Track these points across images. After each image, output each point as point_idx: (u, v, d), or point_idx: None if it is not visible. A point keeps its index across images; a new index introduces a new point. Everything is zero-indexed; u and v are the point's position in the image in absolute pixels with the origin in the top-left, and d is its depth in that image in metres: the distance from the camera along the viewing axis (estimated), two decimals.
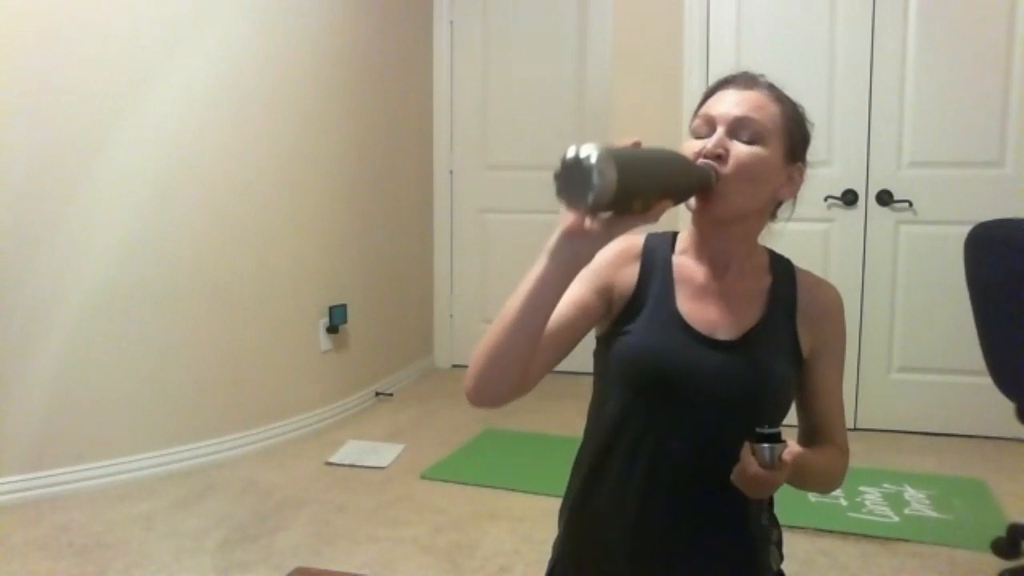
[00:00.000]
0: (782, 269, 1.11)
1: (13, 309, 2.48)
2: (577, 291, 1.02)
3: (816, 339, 1.07)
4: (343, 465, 2.89)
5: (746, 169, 0.98)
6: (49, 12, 2.47)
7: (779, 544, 1.12)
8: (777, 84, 1.08)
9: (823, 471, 1.07)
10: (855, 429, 3.21)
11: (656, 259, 1.09)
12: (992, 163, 3.04)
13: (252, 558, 2.17)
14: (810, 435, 1.12)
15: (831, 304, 1.10)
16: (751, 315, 1.05)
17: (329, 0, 3.36)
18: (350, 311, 3.47)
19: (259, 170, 3.03)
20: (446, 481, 2.68)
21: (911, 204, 3.11)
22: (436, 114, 4.23)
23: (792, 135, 1.04)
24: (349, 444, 3.09)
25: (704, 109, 1.04)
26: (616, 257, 1.09)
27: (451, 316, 4.34)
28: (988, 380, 1.99)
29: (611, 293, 1.06)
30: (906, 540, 2.26)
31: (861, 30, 3.10)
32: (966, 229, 2.00)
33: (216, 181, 2.89)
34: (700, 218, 1.04)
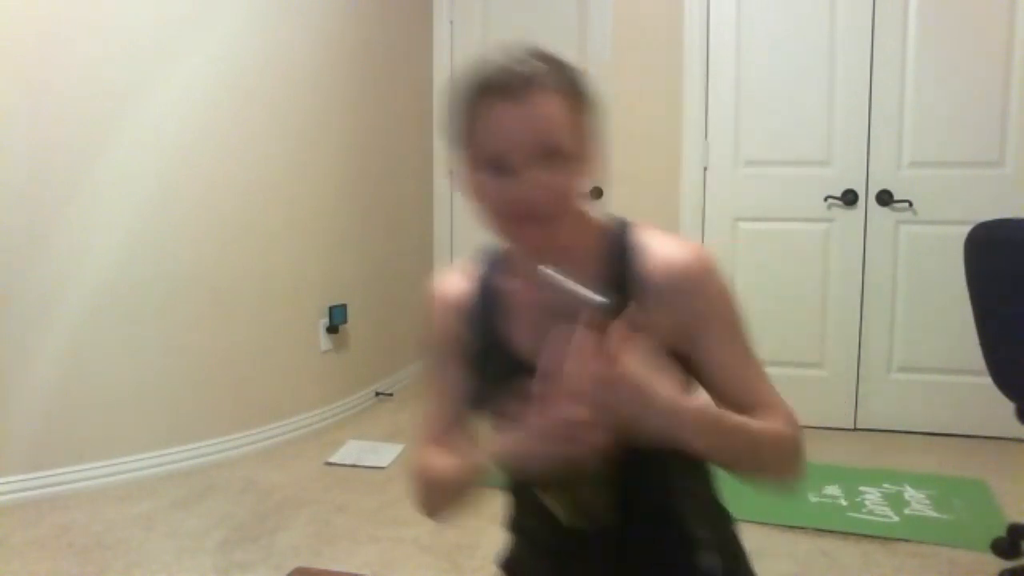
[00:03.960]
0: (617, 251, 0.93)
1: (13, 309, 2.48)
2: (451, 377, 1.00)
3: (678, 321, 0.89)
4: (343, 465, 2.88)
5: (566, 200, 0.86)
6: (49, 13, 2.47)
7: (720, 548, 0.98)
8: (543, 49, 0.88)
9: (754, 435, 0.86)
10: (855, 429, 3.21)
11: (484, 293, 0.99)
12: (992, 163, 3.03)
13: (252, 558, 2.17)
14: None
15: (682, 275, 0.90)
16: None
17: (329, 0, 3.36)
18: (350, 311, 3.47)
19: (259, 170, 3.03)
20: None
21: (911, 204, 3.11)
22: (436, 114, 4.22)
23: (585, 118, 0.88)
24: (349, 444, 3.09)
25: (482, 140, 0.85)
26: (443, 316, 1.01)
27: None
28: (988, 380, 1.98)
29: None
30: (906, 540, 2.26)
31: (861, 30, 3.10)
32: (966, 229, 1.99)
33: (216, 181, 2.89)
34: (520, 249, 0.94)
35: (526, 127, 0.83)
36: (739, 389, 0.90)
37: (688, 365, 0.90)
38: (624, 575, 0.95)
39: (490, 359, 0.97)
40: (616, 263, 0.92)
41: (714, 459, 0.86)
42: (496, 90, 0.83)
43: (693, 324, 0.89)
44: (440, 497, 0.98)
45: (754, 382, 0.92)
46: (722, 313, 0.91)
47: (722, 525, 1.03)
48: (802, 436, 0.91)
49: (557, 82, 0.86)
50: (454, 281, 1.02)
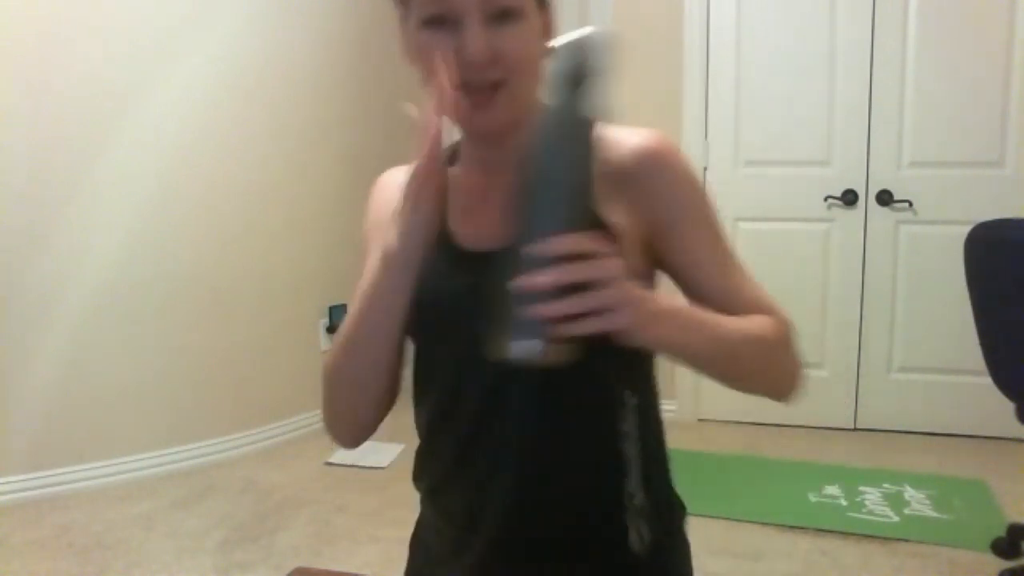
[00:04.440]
0: None
1: (13, 309, 2.48)
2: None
3: (643, 214, 0.79)
4: (343, 465, 2.88)
5: (526, 64, 0.76)
6: (49, 13, 2.47)
7: (661, 518, 0.85)
8: None
9: (745, 333, 0.77)
10: (855, 429, 3.21)
11: None
12: (992, 163, 3.03)
13: (252, 558, 2.17)
14: None
15: (643, 158, 0.80)
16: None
17: (329, 1, 3.36)
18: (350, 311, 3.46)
19: (259, 170, 3.03)
20: None
21: (911, 204, 3.11)
22: None
23: None
24: None
25: None
26: (382, 202, 0.92)
27: None
28: (988, 380, 1.99)
29: None
30: (906, 540, 2.26)
31: (861, 30, 3.10)
32: (966, 229, 1.99)
33: (216, 181, 2.89)
34: (473, 135, 0.83)
35: None
36: (721, 288, 0.80)
37: (662, 268, 0.82)
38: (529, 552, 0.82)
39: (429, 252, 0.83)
40: None
41: (700, 366, 0.75)
42: None
43: (661, 214, 0.79)
44: (350, 365, 0.83)
45: (737, 279, 0.82)
46: (692, 200, 0.81)
47: (667, 507, 0.89)
48: (796, 336, 0.82)
49: None
50: (400, 172, 0.92)
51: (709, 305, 0.77)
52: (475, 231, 0.82)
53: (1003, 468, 2.79)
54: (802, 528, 2.32)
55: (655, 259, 0.81)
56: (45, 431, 2.56)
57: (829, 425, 3.21)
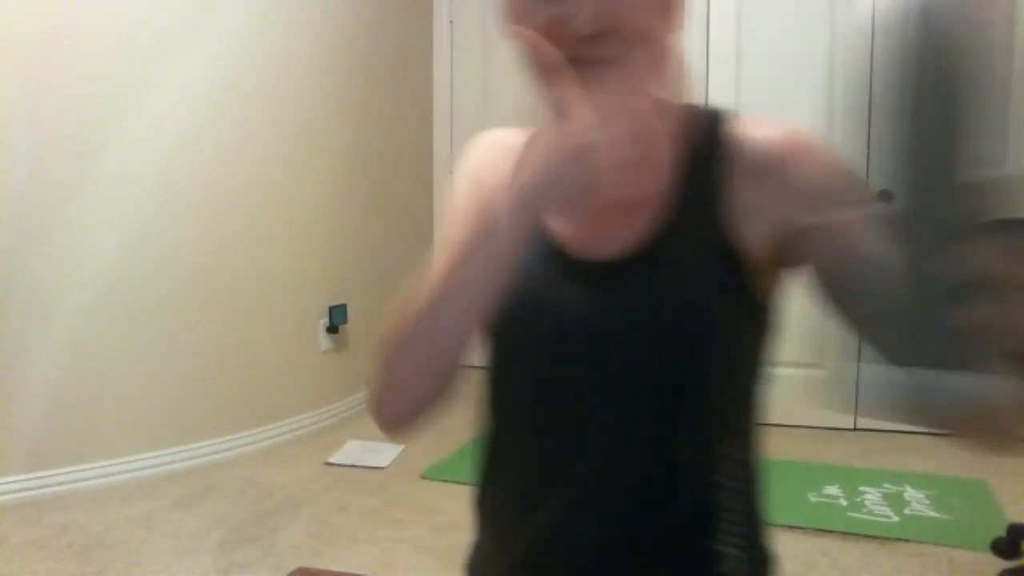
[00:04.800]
0: (703, 132, 0.72)
1: (13, 309, 2.48)
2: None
3: (780, 202, 0.67)
4: (343, 465, 2.88)
5: (647, 37, 0.64)
6: (49, 14, 2.46)
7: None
8: None
9: None
10: (855, 429, 3.21)
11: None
12: (992, 163, 3.03)
13: (252, 558, 2.17)
14: None
15: (784, 147, 0.69)
16: (647, 217, 0.69)
17: (329, 0, 3.36)
18: (350, 311, 3.46)
19: (259, 170, 3.03)
20: (446, 481, 2.68)
21: None
22: (436, 114, 4.23)
23: None
24: (349, 444, 3.09)
25: None
26: (490, 158, 0.79)
27: None
28: None
29: None
30: (906, 540, 2.26)
31: (861, 30, 3.10)
32: None
33: (216, 181, 2.89)
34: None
35: None
36: None
37: (810, 266, 0.66)
38: None
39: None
40: (701, 145, 0.70)
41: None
42: None
43: (802, 207, 0.66)
44: (420, 349, 0.68)
45: None
46: (837, 185, 0.67)
47: (761, 562, 0.77)
48: None
49: None
50: (510, 137, 0.81)
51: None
52: (582, 234, 0.71)
53: (1003, 468, 2.79)
54: (802, 528, 2.32)
55: (793, 258, 0.68)
56: (45, 431, 2.56)
57: (829, 425, 3.21)
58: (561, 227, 0.72)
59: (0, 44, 2.39)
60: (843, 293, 0.60)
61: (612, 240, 0.69)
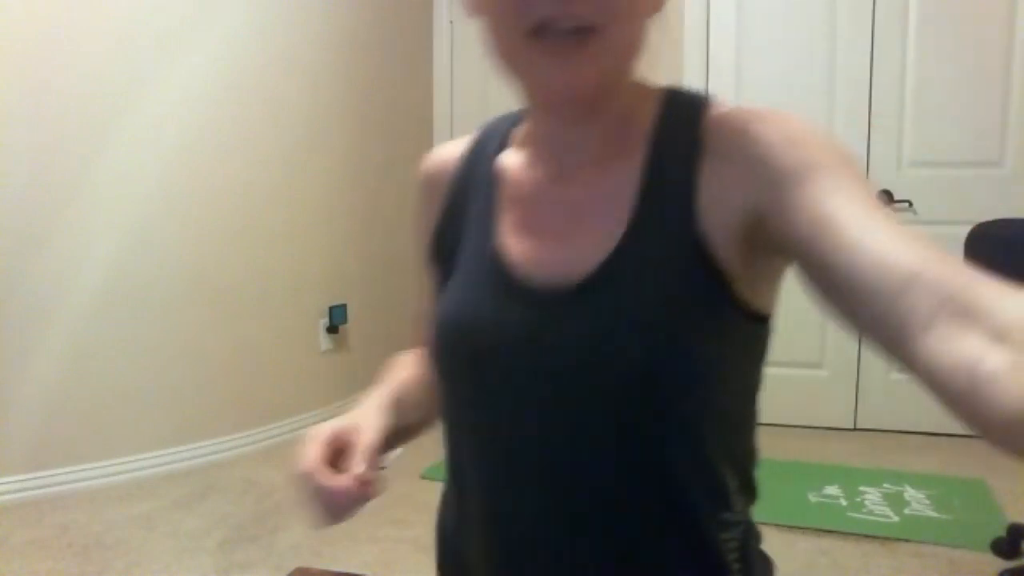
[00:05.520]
0: (673, 131, 0.62)
1: (13, 309, 2.48)
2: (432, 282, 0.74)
3: (745, 178, 0.56)
4: None
5: (616, 18, 0.56)
6: (49, 14, 2.47)
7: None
8: None
9: None
10: (855, 429, 3.21)
11: (477, 169, 0.70)
12: (992, 163, 3.03)
13: (252, 558, 2.17)
14: (886, 306, 0.44)
15: (747, 118, 0.58)
16: (609, 232, 0.60)
17: (329, 1, 3.36)
18: (350, 311, 3.46)
19: (259, 170, 3.03)
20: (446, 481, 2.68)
21: (911, 204, 3.11)
22: (436, 114, 4.23)
23: None
24: None
25: None
26: (425, 187, 0.74)
27: None
28: None
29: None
30: (906, 540, 2.25)
31: (861, 30, 3.10)
32: (966, 229, 2.00)
33: (216, 181, 2.90)
34: (546, 100, 0.63)
35: None
36: (871, 252, 0.48)
37: (784, 252, 0.55)
38: None
39: (472, 251, 0.67)
40: (672, 125, 0.62)
41: None
42: None
43: (780, 186, 0.53)
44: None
45: (885, 238, 0.49)
46: (825, 163, 0.53)
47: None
48: None
49: None
50: (446, 152, 0.74)
51: (856, 275, 0.47)
52: (534, 251, 0.63)
53: (1003, 468, 2.79)
54: (802, 528, 2.32)
55: (769, 246, 0.57)
56: (45, 431, 2.56)
57: (829, 425, 3.21)
58: (516, 246, 0.64)
59: (0, 44, 2.39)
60: (831, 284, 0.49)
61: (563, 260, 0.61)
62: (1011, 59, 2.98)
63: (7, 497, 2.46)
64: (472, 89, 4.20)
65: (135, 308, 2.71)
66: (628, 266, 0.58)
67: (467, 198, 0.69)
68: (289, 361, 3.20)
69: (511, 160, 0.68)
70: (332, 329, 3.37)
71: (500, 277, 0.63)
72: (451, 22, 4.18)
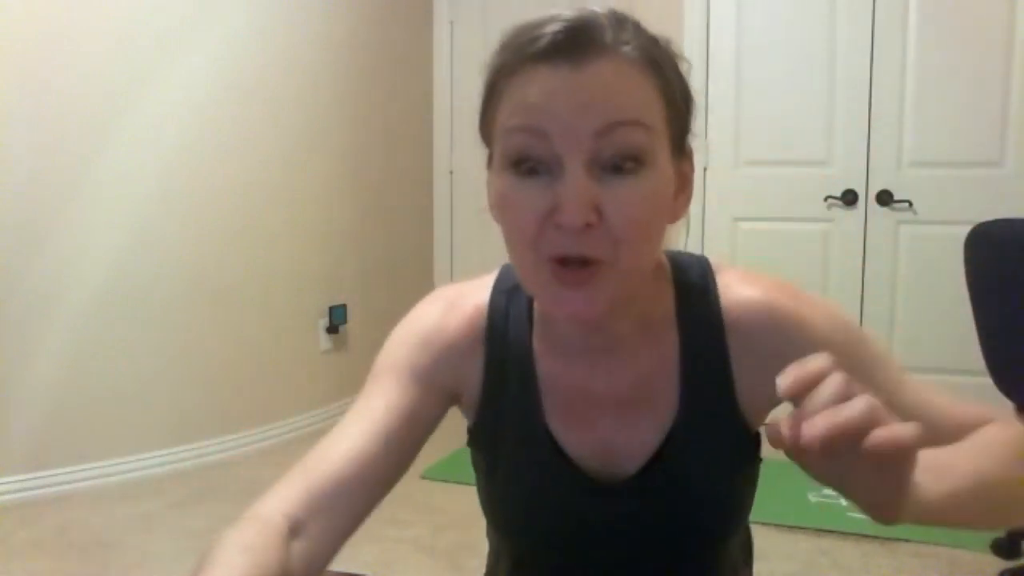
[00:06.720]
0: (695, 311, 0.68)
1: (14, 309, 2.48)
2: (394, 399, 0.69)
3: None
4: None
5: (642, 231, 0.57)
6: (49, 14, 2.47)
7: None
8: (627, 14, 0.59)
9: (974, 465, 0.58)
10: None
11: (508, 342, 0.70)
12: (992, 163, 3.03)
13: None
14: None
15: (778, 317, 0.65)
16: (658, 416, 0.66)
17: (329, 1, 3.36)
18: (350, 311, 3.46)
19: (259, 170, 3.03)
20: (446, 481, 2.68)
21: (911, 204, 3.11)
22: (436, 114, 4.22)
23: (677, 115, 0.63)
24: None
25: (510, 120, 0.58)
26: (453, 339, 0.71)
27: None
28: (988, 380, 1.98)
29: (455, 399, 0.73)
30: (906, 540, 2.25)
31: (861, 30, 3.10)
32: (966, 229, 1.99)
33: (216, 181, 2.90)
34: (561, 319, 0.67)
35: (582, 99, 0.54)
36: (924, 419, 0.57)
37: None
38: None
39: (519, 437, 0.70)
40: (692, 307, 0.67)
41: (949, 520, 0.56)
42: (542, 52, 0.54)
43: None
44: None
45: (924, 395, 0.67)
46: (855, 341, 0.67)
47: None
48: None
49: (639, 48, 0.58)
50: (464, 313, 0.73)
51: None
52: (589, 446, 0.68)
53: None
54: (802, 528, 2.32)
55: None
56: (45, 431, 2.56)
57: None
58: (571, 438, 0.68)
59: (0, 44, 2.39)
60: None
61: (625, 452, 0.67)
62: (1011, 59, 2.98)
63: (7, 497, 2.46)
64: (472, 89, 4.18)
65: (135, 308, 2.71)
66: (682, 450, 0.66)
67: (505, 378, 0.70)
68: (289, 361, 3.20)
69: (543, 344, 0.70)
70: (332, 329, 3.37)
71: (559, 468, 0.68)
72: (451, 22, 4.18)
